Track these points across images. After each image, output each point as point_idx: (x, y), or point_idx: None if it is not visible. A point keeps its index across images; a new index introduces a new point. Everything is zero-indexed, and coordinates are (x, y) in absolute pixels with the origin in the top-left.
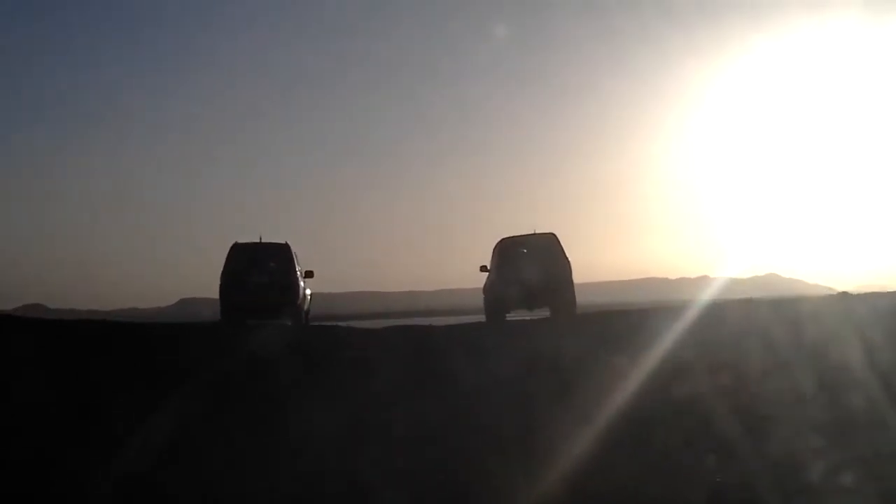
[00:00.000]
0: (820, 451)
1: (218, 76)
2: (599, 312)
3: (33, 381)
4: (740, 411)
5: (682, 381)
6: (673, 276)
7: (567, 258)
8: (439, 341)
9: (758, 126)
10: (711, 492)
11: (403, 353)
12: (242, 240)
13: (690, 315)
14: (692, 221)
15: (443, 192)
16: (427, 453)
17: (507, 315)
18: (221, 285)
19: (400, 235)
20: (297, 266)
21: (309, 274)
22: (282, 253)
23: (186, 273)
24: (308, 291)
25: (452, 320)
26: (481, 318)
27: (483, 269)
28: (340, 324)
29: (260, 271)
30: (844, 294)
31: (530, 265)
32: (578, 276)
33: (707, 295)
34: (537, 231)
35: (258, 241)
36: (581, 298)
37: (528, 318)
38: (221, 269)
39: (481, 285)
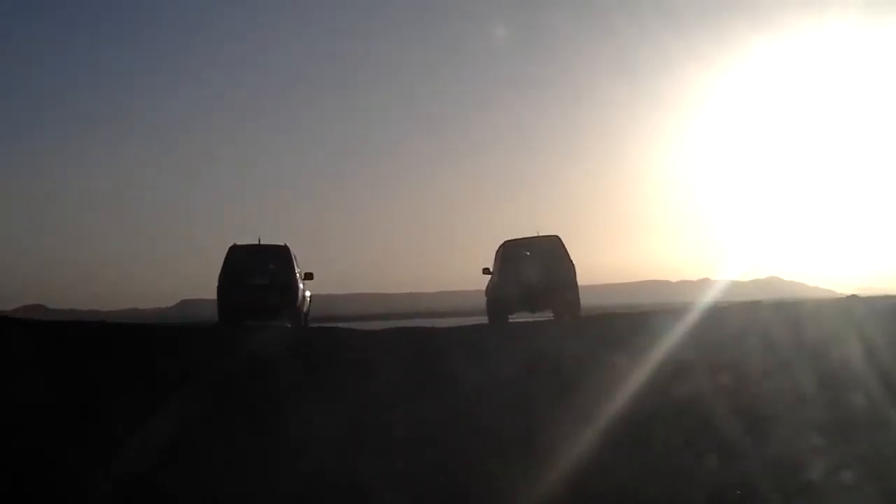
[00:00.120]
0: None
1: (218, 77)
2: (605, 314)
3: (33, 381)
4: (765, 417)
5: (717, 389)
6: (674, 278)
7: (571, 260)
8: (440, 343)
9: (759, 129)
10: (711, 492)
11: (404, 354)
12: (241, 241)
13: (703, 318)
14: (693, 224)
15: (443, 193)
16: (427, 454)
17: (510, 317)
18: (219, 287)
19: (401, 237)
20: (296, 268)
21: (308, 276)
22: (281, 255)
23: (187, 274)
24: (307, 293)
25: (454, 322)
26: (484, 318)
27: (486, 271)
28: (340, 325)
29: (259, 273)
30: (853, 297)
31: (534, 267)
32: (580, 279)
33: (711, 297)
34: (541, 233)
35: (257, 242)
36: (583, 301)
37: (530, 319)
38: (220, 270)
39: (482, 287)
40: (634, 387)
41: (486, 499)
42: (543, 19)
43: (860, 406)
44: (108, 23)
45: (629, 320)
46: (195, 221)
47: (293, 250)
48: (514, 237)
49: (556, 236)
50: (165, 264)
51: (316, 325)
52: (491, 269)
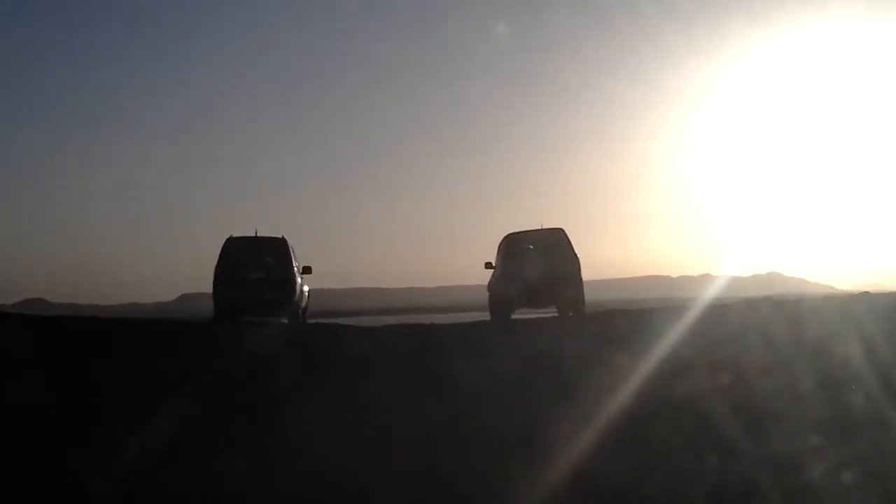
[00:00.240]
0: None
1: (219, 72)
2: (611, 311)
3: (33, 381)
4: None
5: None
6: (675, 273)
7: (576, 255)
8: (441, 340)
9: (760, 124)
10: (711, 490)
11: (404, 352)
12: (238, 234)
13: (719, 315)
14: (694, 219)
15: (444, 188)
16: (427, 454)
17: (513, 313)
18: (215, 281)
19: (400, 231)
20: (294, 261)
21: (306, 270)
22: (278, 247)
23: (187, 268)
24: (306, 288)
25: (455, 318)
26: (484, 314)
27: (488, 265)
28: (339, 321)
29: (255, 266)
30: (866, 294)
31: (537, 262)
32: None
33: (712, 293)
34: (544, 226)
35: (254, 235)
36: (584, 296)
37: (534, 315)
38: (215, 263)
39: (482, 281)
40: (642, 386)
41: (486, 498)
42: (543, 16)
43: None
44: (107, 22)
45: (636, 317)
46: (195, 215)
47: (291, 243)
48: (516, 230)
49: (561, 229)
50: (166, 258)
51: (314, 320)
52: (493, 264)
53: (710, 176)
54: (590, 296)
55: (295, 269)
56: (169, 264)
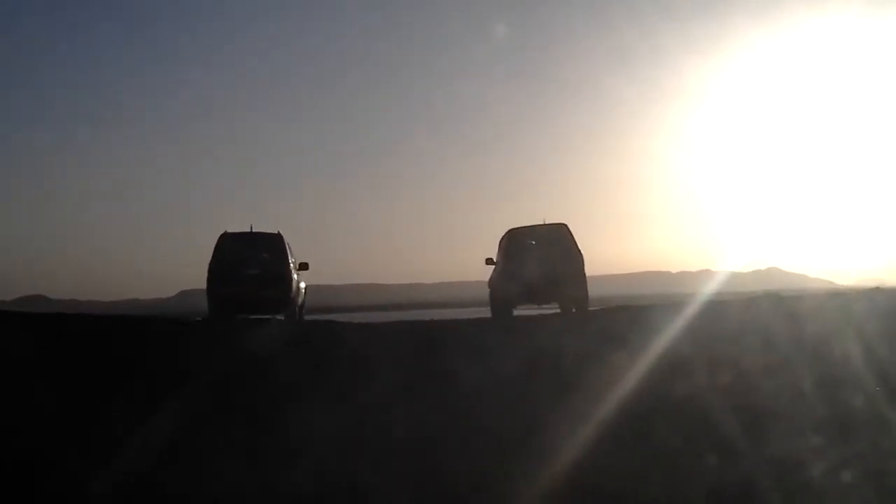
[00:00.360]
0: None
1: (219, 73)
2: (615, 307)
3: (33, 381)
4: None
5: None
6: (674, 269)
7: (579, 250)
8: (441, 338)
9: (759, 121)
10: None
11: (404, 351)
12: (233, 229)
13: (727, 311)
14: (694, 215)
15: (443, 185)
16: (426, 454)
17: (514, 310)
18: (209, 278)
19: (400, 228)
20: (290, 257)
21: (303, 266)
22: (274, 243)
23: (186, 264)
24: (302, 284)
25: (455, 314)
26: (484, 311)
27: (489, 261)
28: (338, 318)
29: (251, 263)
30: (877, 289)
31: (539, 258)
32: None
33: (712, 288)
34: (547, 221)
35: (249, 230)
36: None
37: (536, 312)
38: (209, 260)
39: (481, 278)
40: (648, 386)
41: (486, 498)
42: (542, 15)
43: None
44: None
45: (639, 314)
46: (195, 212)
47: (287, 239)
48: (515, 226)
49: (564, 224)
50: (165, 255)
51: (312, 317)
52: (494, 260)
53: (710, 172)
54: (590, 292)
55: (291, 265)
56: (168, 261)
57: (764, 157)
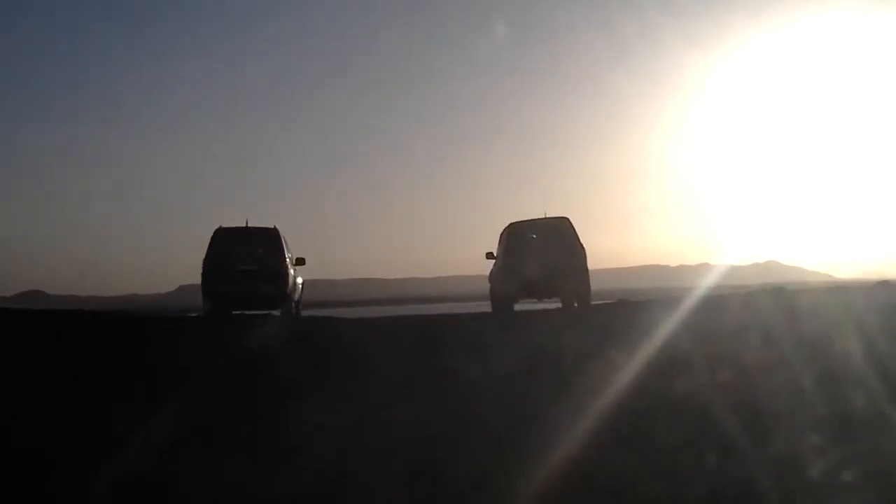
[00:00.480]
0: None
1: (218, 68)
2: (616, 302)
3: (33, 381)
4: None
5: None
6: (673, 262)
7: (581, 244)
8: (441, 333)
9: (758, 115)
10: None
11: (404, 349)
12: (227, 224)
13: (735, 306)
14: (692, 209)
15: (441, 178)
16: (426, 453)
17: (516, 305)
18: (203, 273)
19: (400, 222)
20: (286, 252)
21: (300, 261)
22: (270, 238)
23: (186, 260)
24: (299, 280)
25: (453, 308)
26: (483, 305)
27: (489, 255)
28: (336, 314)
29: (246, 258)
30: (885, 283)
31: (541, 252)
32: None
33: (711, 282)
34: (549, 214)
35: (244, 225)
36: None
37: (538, 307)
38: (204, 255)
39: (480, 272)
40: (659, 387)
41: (486, 498)
42: (542, 10)
43: None
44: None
45: (644, 309)
46: (194, 207)
47: (283, 233)
48: (516, 220)
49: (566, 218)
50: (164, 250)
51: (309, 313)
52: (495, 254)
53: (709, 166)
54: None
55: (287, 260)
56: (167, 256)
57: (762, 151)
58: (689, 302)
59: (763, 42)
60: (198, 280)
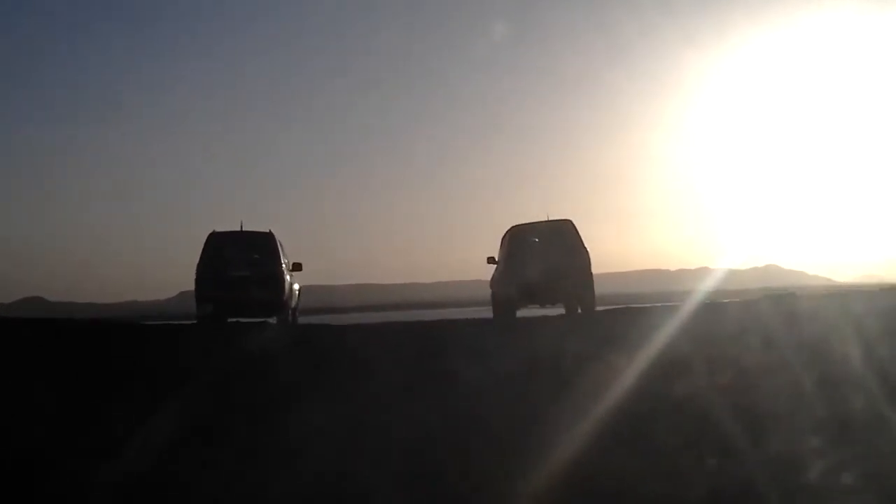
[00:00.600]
0: None
1: (218, 72)
2: (619, 308)
3: (33, 381)
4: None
5: None
6: (673, 267)
7: (585, 248)
8: (441, 340)
9: (758, 118)
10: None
11: (406, 355)
12: (221, 228)
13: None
14: (692, 213)
15: (440, 183)
16: (426, 454)
17: (518, 311)
18: (197, 279)
19: (399, 226)
20: (282, 257)
21: (297, 266)
22: (265, 243)
23: (186, 266)
24: (296, 286)
25: (454, 314)
26: (483, 311)
27: (490, 260)
28: (334, 320)
29: (240, 263)
30: (891, 288)
31: (543, 256)
32: None
33: (711, 286)
34: (551, 217)
35: (239, 229)
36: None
37: (539, 313)
38: (197, 260)
39: (480, 277)
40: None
41: (486, 498)
42: (542, 10)
43: None
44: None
45: (650, 315)
46: (194, 213)
47: (279, 238)
48: (517, 223)
49: (569, 220)
50: (164, 256)
51: (307, 320)
52: (496, 258)
53: (709, 170)
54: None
55: (283, 265)
56: (167, 262)
57: (762, 155)
58: (700, 308)
59: (763, 44)
60: None
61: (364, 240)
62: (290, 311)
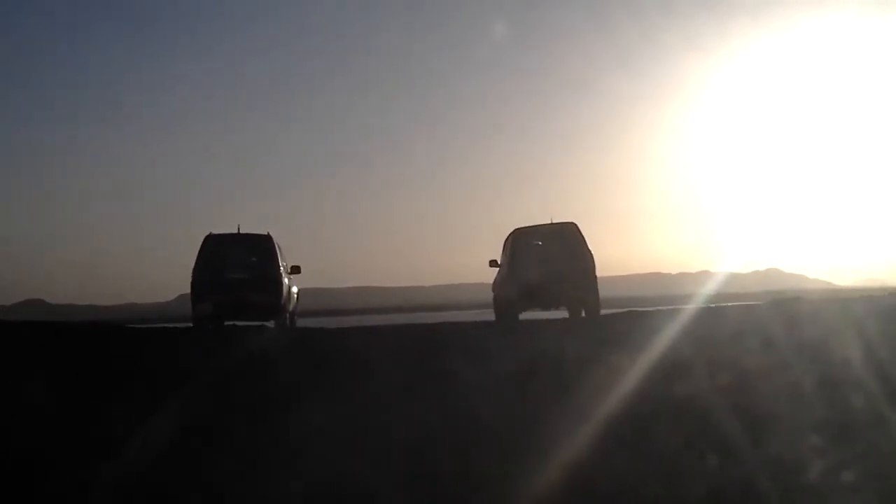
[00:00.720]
0: None
1: (218, 73)
2: (623, 313)
3: (33, 381)
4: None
5: None
6: (674, 270)
7: (590, 251)
8: (442, 342)
9: (759, 122)
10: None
11: (406, 355)
12: (218, 230)
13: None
14: (693, 216)
15: (441, 186)
16: (427, 455)
17: (520, 315)
18: (193, 282)
19: (400, 229)
20: (280, 260)
21: (295, 269)
22: (262, 245)
23: (185, 268)
24: (294, 289)
25: (455, 317)
26: (485, 314)
27: (493, 263)
28: (333, 323)
29: (237, 266)
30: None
31: (547, 259)
32: None
33: (713, 289)
34: (555, 220)
35: (236, 231)
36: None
37: (543, 317)
38: (193, 263)
39: (482, 279)
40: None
41: (486, 499)
42: (543, 11)
43: None
44: (107, 21)
45: (656, 319)
46: (194, 215)
47: (277, 240)
48: (520, 226)
49: (573, 223)
50: (164, 259)
51: (306, 323)
52: (499, 262)
53: (710, 173)
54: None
55: (281, 268)
56: (167, 264)
57: (763, 159)
58: (702, 312)
59: (764, 47)
60: None
61: (364, 242)
62: (288, 315)
